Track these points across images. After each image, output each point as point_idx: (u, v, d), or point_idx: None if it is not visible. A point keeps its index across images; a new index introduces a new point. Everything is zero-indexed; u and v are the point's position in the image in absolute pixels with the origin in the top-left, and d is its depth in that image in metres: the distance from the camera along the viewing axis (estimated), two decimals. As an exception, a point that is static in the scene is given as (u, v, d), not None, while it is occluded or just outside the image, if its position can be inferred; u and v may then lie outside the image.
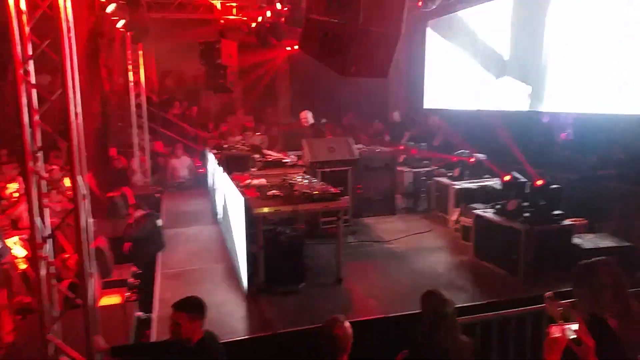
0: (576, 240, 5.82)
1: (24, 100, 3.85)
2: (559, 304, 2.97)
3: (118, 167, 10.87)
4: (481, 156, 8.64)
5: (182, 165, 11.99)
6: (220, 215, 8.24)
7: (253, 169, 8.17)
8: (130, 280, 5.68)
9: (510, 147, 8.26)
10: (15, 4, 3.74)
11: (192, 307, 3.37)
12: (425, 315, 3.19)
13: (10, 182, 7.53)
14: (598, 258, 2.83)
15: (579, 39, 7.82)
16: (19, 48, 3.80)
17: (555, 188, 6.18)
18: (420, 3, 9.86)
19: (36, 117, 3.96)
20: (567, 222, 5.87)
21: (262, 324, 4.95)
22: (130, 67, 11.78)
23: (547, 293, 2.97)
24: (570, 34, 7.98)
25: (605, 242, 5.82)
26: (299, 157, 8.54)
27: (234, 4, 12.20)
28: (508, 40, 9.54)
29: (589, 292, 2.65)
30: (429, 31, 12.36)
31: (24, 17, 3.82)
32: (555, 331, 2.33)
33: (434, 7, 10.02)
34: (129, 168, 11.33)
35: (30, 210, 3.97)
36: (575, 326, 2.34)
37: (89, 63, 10.47)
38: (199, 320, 3.35)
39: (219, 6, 11.63)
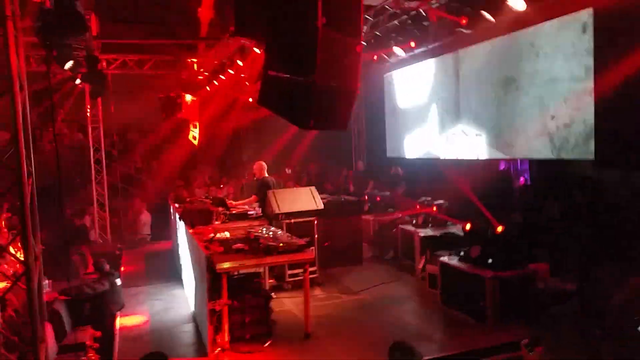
0: (540, 284, 5.91)
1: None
2: (535, 350, 2.97)
3: (77, 225, 10.51)
4: (443, 203, 8.79)
5: (143, 220, 11.70)
6: (183, 271, 8.01)
7: (217, 222, 8.04)
8: (89, 343, 5.38)
9: (470, 194, 8.47)
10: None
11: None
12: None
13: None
14: (563, 306, 2.87)
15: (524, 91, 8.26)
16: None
17: (516, 233, 6.32)
18: (375, 57, 10.30)
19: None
20: (529, 266, 5.97)
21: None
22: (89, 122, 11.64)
23: (524, 340, 2.98)
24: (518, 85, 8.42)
25: (568, 285, 5.92)
26: (263, 209, 8.47)
27: (195, 60, 12.40)
28: (461, 91, 9.96)
29: (557, 340, 2.67)
30: (386, 82, 12.80)
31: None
32: None
33: (388, 63, 10.50)
34: (87, 225, 10.97)
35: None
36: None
37: (45, 119, 10.32)
38: None
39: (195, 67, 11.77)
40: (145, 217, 11.73)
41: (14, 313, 5.19)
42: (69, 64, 8.88)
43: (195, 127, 13.16)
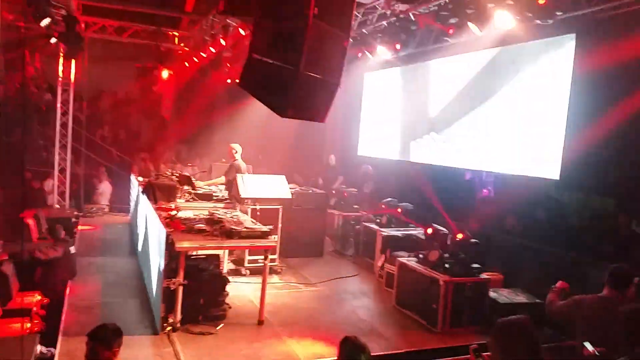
0: (492, 294, 6.07)
1: None
2: (483, 356, 3.03)
3: (35, 188, 10.17)
4: (408, 206, 8.90)
5: (101, 190, 11.41)
6: (140, 246, 7.87)
7: (180, 200, 7.92)
8: (35, 309, 5.22)
9: (434, 199, 8.62)
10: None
11: (110, 336, 3.15)
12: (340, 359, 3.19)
13: None
14: (514, 317, 2.94)
15: (499, 105, 8.44)
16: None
17: (474, 242, 6.46)
18: (360, 54, 10.33)
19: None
20: (484, 275, 6.12)
21: (175, 365, 4.70)
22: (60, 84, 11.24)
23: (473, 345, 3.04)
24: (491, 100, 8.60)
25: (519, 297, 6.10)
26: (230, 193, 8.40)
27: (176, 33, 12.15)
28: (438, 98, 10.10)
29: (505, 349, 2.74)
30: (366, 81, 12.85)
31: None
32: None
33: (371, 61, 10.53)
34: (45, 189, 10.63)
35: None
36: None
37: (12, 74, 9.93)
38: (118, 349, 3.15)
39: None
40: (105, 187, 11.44)
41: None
42: (45, 21, 8.57)
43: (169, 102, 12.92)
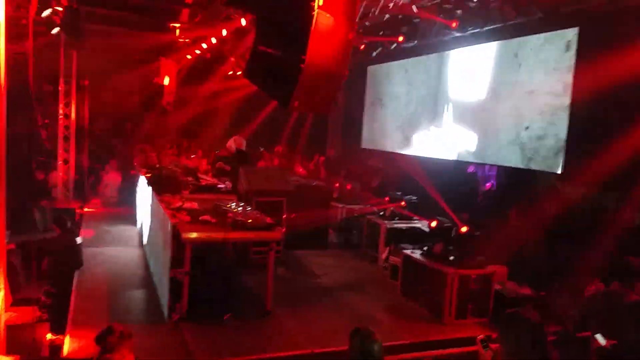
0: (497, 286, 6.10)
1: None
2: (490, 347, 3.07)
3: (39, 179, 10.17)
4: (412, 199, 8.93)
5: (108, 182, 11.42)
6: (145, 238, 7.89)
7: (185, 192, 7.93)
8: (43, 298, 5.26)
9: (438, 192, 8.64)
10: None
11: (116, 341, 3.14)
12: (352, 352, 3.19)
13: None
14: (521, 309, 2.97)
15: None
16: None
17: (478, 235, 6.49)
18: (362, 47, 10.32)
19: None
20: (489, 268, 6.15)
21: (183, 355, 4.72)
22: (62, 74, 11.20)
23: (480, 336, 3.07)
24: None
25: (524, 290, 6.14)
26: (233, 184, 8.42)
27: (177, 25, 12.09)
28: (441, 91, 10.10)
29: (512, 341, 2.77)
30: (369, 74, 12.85)
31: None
32: None
33: (375, 54, 10.53)
34: (50, 180, 10.63)
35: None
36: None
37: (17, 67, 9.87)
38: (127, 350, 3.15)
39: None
40: (113, 179, 11.44)
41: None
42: (46, 12, 8.55)
43: (170, 93, 12.89)
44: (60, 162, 10.98)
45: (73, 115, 11.37)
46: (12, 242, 5.92)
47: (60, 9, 8.79)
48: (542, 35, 7.75)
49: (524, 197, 8.42)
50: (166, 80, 12.28)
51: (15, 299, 4.99)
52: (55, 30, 9.20)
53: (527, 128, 8.05)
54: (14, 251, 5.61)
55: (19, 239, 6.13)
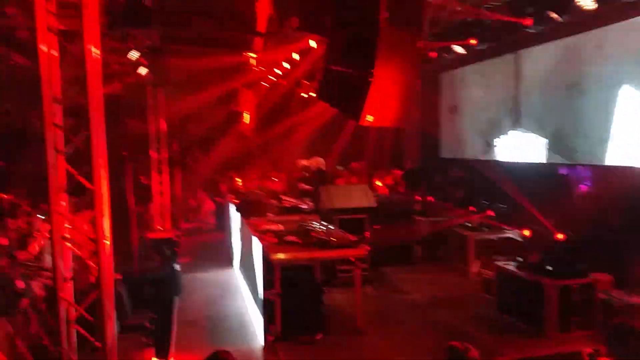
0: (602, 296, 5.67)
1: (51, 142, 3.93)
2: (598, 360, 2.87)
3: (139, 211, 10.92)
4: (500, 207, 8.57)
5: (208, 209, 12.04)
6: (237, 260, 8.19)
7: (270, 214, 8.16)
8: (147, 325, 5.60)
9: (527, 199, 8.22)
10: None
11: None
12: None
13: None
14: (629, 318, 2.76)
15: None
16: (47, 89, 3.91)
17: (577, 242, 6.10)
18: (434, 54, 10.17)
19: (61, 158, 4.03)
20: (591, 276, 5.74)
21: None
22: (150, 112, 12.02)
23: (587, 350, 2.89)
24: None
25: (633, 298, 5.66)
26: (315, 204, 8.54)
27: (253, 55, 12.57)
28: (522, 92, 9.67)
29: (623, 353, 2.58)
30: (443, 81, 12.60)
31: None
32: None
33: (447, 60, 10.33)
34: (147, 212, 11.38)
35: (53, 252, 3.99)
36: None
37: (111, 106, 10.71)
38: None
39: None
40: (210, 206, 12.04)
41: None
42: (134, 54, 9.23)
43: (248, 119, 13.39)
44: (156, 194, 11.73)
45: (164, 149, 12.14)
46: (118, 273, 6.38)
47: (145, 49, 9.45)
48: (626, 22, 7.20)
49: (625, 197, 7.80)
50: (246, 118, 12.80)
51: (122, 327, 5.35)
52: (144, 71, 9.90)
53: (619, 123, 7.48)
54: (119, 281, 6.04)
55: (124, 269, 6.59)
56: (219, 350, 3.33)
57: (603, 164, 8.02)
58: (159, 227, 11.34)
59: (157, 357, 5.25)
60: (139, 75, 10.24)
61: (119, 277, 5.98)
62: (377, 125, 4.21)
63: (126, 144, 11.83)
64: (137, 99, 12.11)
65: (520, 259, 6.14)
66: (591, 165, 8.58)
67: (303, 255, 5.76)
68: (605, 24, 7.49)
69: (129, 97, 11.82)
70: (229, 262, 8.97)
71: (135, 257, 7.81)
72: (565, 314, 5.48)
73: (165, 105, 12.34)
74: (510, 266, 6.18)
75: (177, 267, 6.93)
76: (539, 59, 9.20)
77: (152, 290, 6.31)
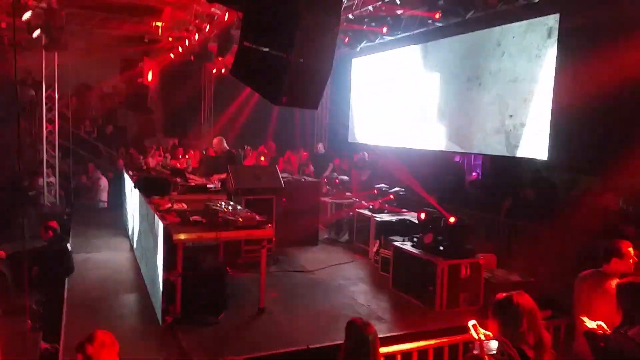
0: (486, 274, 6.19)
1: None
2: (481, 331, 3.12)
3: (25, 185, 10.06)
4: (400, 191, 8.99)
5: (102, 186, 11.32)
6: (135, 241, 7.85)
7: (174, 193, 7.89)
8: (33, 307, 5.22)
9: (424, 184, 8.70)
10: None
11: (99, 345, 3.10)
12: (347, 344, 3.25)
13: None
14: (512, 292, 3.03)
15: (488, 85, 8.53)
16: None
17: (466, 225, 6.56)
18: (347, 40, 10.34)
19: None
20: (478, 256, 6.23)
21: (178, 356, 4.73)
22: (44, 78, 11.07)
23: (472, 321, 3.13)
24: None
25: (513, 277, 6.23)
26: (222, 184, 8.40)
27: (160, 24, 11.98)
28: (426, 83, 10.15)
29: (507, 323, 2.84)
30: (354, 67, 12.86)
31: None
32: (474, 347, 2.45)
33: (359, 48, 10.56)
34: (36, 186, 10.52)
35: None
36: (494, 343, 2.47)
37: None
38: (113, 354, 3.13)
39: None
40: (104, 183, 11.35)
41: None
42: (27, 15, 8.42)
43: (155, 94, 12.80)
44: (44, 168, 10.87)
45: (57, 119, 11.26)
46: (1, 250, 5.87)
47: (39, 10, 8.67)
48: (524, 22, 7.81)
49: (510, 185, 8.53)
50: (149, 76, 12.15)
51: (5, 309, 4.95)
52: (36, 33, 9.07)
53: (511, 116, 8.14)
54: (2, 259, 5.56)
55: (7, 247, 6.07)
56: (98, 331, 3.18)
57: (494, 154, 8.69)
58: (47, 203, 10.56)
59: (44, 341, 4.93)
60: (32, 38, 9.38)
61: (2, 255, 5.52)
62: (291, 107, 4.18)
63: (17, 113, 10.84)
64: (30, 64, 11.09)
65: (415, 240, 6.51)
66: (482, 154, 9.28)
67: (207, 235, 5.64)
68: (505, 23, 8.06)
69: (21, 61, 10.78)
70: (124, 242, 8.57)
71: (21, 234, 7.23)
72: (454, 291, 5.91)
73: (60, 73, 11.41)
74: (406, 246, 6.54)
75: (68, 246, 6.49)
76: (444, 52, 9.70)
77: (40, 270, 5.85)
